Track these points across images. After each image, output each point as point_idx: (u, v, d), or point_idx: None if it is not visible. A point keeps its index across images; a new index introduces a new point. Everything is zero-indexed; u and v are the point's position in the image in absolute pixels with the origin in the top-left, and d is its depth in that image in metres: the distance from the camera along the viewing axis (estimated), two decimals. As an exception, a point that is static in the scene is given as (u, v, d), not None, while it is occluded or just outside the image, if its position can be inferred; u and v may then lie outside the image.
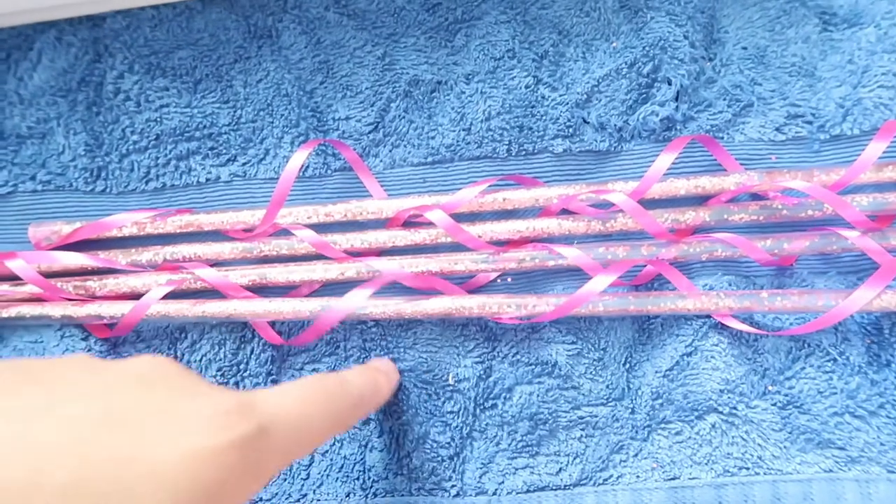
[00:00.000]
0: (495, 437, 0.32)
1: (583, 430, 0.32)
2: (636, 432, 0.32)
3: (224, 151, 0.35)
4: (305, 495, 0.32)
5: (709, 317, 0.31)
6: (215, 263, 0.34)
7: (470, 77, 0.34)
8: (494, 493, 0.31)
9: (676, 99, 0.33)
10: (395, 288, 0.33)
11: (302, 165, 0.33)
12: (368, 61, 0.35)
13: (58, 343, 0.33)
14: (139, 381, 0.19)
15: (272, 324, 0.33)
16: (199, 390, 0.19)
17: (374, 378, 0.27)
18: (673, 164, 0.32)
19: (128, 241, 0.35)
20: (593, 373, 0.32)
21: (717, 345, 0.31)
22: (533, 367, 0.32)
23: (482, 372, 0.32)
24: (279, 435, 0.20)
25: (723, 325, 0.31)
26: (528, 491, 0.31)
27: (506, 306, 0.31)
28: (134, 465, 0.17)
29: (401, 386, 0.32)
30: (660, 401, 0.31)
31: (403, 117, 0.34)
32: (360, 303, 0.31)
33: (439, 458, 0.32)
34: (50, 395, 0.18)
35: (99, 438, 0.17)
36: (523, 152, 0.34)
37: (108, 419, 0.17)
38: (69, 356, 0.21)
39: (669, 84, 0.33)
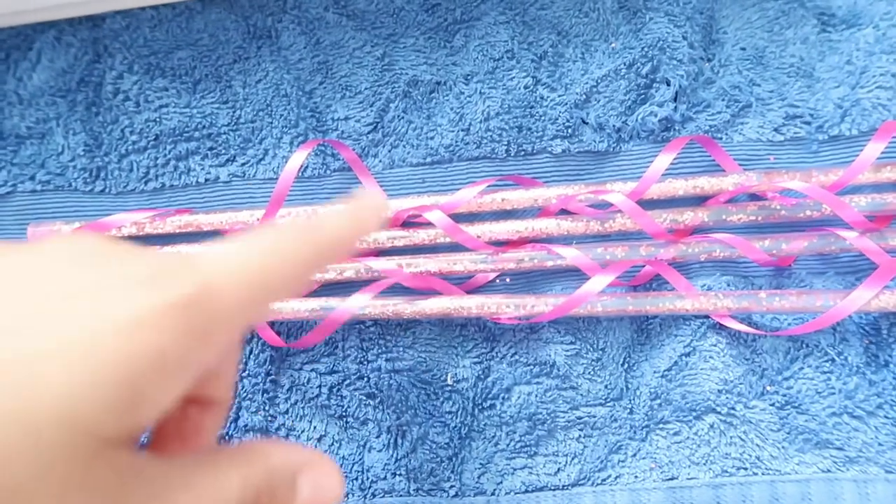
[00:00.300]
0: (494, 437, 0.32)
1: (581, 430, 0.32)
2: (634, 432, 0.32)
3: (223, 152, 0.35)
4: (304, 495, 0.32)
5: (707, 317, 0.32)
6: (214, 263, 0.34)
7: (469, 77, 0.34)
8: (493, 494, 0.31)
9: (675, 99, 0.33)
10: (393, 288, 0.33)
11: (301, 165, 0.33)
12: (367, 62, 0.35)
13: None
14: (62, 257, 0.17)
15: (270, 324, 0.33)
16: (132, 254, 0.17)
17: (353, 211, 0.22)
18: (671, 164, 0.32)
19: (127, 242, 0.35)
20: (592, 373, 0.32)
21: (715, 345, 0.31)
22: (531, 367, 0.32)
23: (481, 372, 0.32)
24: (231, 291, 0.17)
25: (721, 325, 0.31)
26: (526, 491, 0.31)
27: (504, 306, 0.31)
28: (47, 350, 0.15)
29: (400, 386, 0.32)
30: (658, 401, 0.31)
31: (402, 118, 0.34)
32: (363, 303, 0.31)
33: (438, 459, 0.32)
34: None
35: (22, 324, 0.15)
36: (522, 153, 0.34)
37: (30, 302, 0.15)
38: None
39: (668, 85, 0.33)
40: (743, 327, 0.31)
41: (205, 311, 0.16)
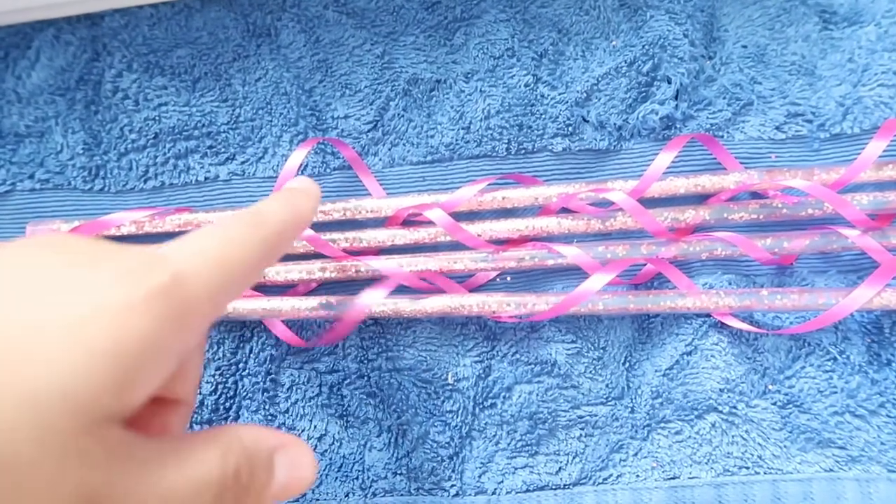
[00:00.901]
0: (495, 436, 0.32)
1: (582, 429, 0.32)
2: (636, 431, 0.31)
3: (223, 150, 0.35)
4: (304, 495, 0.32)
5: (709, 316, 0.31)
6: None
7: (469, 76, 0.34)
8: (494, 493, 0.31)
9: (676, 97, 0.33)
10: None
11: (301, 164, 0.33)
12: (367, 60, 0.35)
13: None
14: (51, 251, 0.17)
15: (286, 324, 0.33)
16: (103, 251, 0.18)
17: (290, 201, 0.24)
18: (673, 162, 0.32)
19: (126, 240, 0.35)
20: (593, 372, 0.32)
21: (716, 344, 0.31)
22: (532, 366, 0.32)
23: (481, 371, 0.32)
24: (199, 280, 0.18)
25: (723, 324, 0.31)
26: (527, 490, 0.31)
27: (505, 304, 0.31)
28: (45, 332, 0.15)
29: (400, 385, 0.32)
30: (659, 400, 0.31)
31: (402, 116, 0.34)
32: (379, 298, 0.31)
33: (439, 458, 0.32)
34: None
35: (22, 305, 0.16)
36: (523, 151, 0.34)
37: (28, 287, 0.16)
38: None
39: (669, 82, 0.33)
40: (745, 326, 0.30)
41: (180, 298, 0.18)
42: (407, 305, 0.31)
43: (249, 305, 0.32)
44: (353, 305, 0.30)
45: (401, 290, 0.33)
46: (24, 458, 0.15)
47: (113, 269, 0.17)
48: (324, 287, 0.34)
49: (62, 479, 0.15)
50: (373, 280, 0.33)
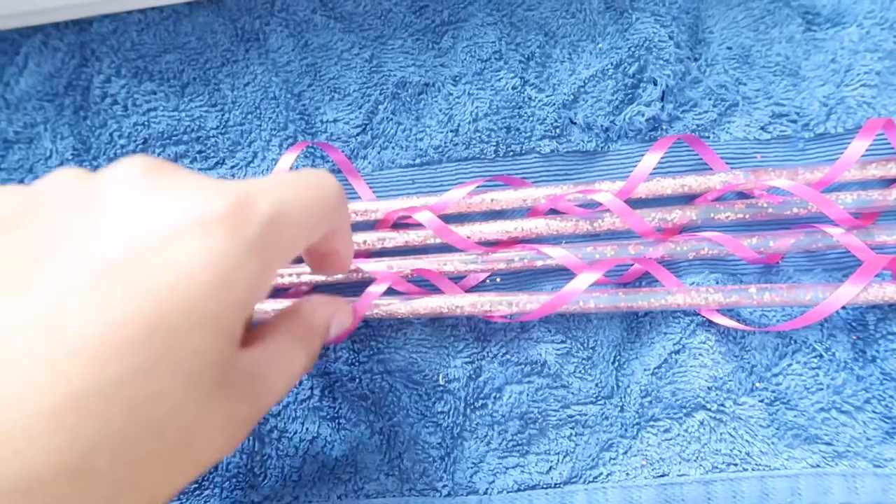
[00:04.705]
0: (486, 436, 0.32)
1: (572, 428, 0.32)
2: (625, 430, 0.32)
3: (212, 154, 0.35)
4: (297, 497, 0.32)
5: (696, 314, 0.32)
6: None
7: (457, 79, 0.34)
8: (485, 493, 0.32)
9: (662, 99, 0.33)
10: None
11: (290, 168, 0.33)
12: (356, 64, 0.35)
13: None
14: (138, 187, 0.19)
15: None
16: (196, 187, 0.19)
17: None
18: (659, 163, 0.32)
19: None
20: (582, 371, 0.32)
21: (704, 342, 0.32)
22: (522, 366, 0.32)
23: (472, 372, 0.32)
24: (283, 223, 0.20)
25: (710, 322, 0.31)
26: (518, 490, 0.31)
27: (497, 304, 0.31)
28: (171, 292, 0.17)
29: (392, 387, 0.32)
30: (648, 398, 0.32)
31: (391, 119, 0.34)
32: (380, 290, 0.31)
33: (430, 459, 0.32)
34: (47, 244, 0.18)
35: (162, 238, 0.17)
36: (511, 153, 0.34)
37: (164, 217, 0.18)
38: (52, 180, 0.20)
39: (655, 84, 0.33)
40: (732, 323, 0.31)
41: (270, 246, 0.20)
42: (401, 306, 0.31)
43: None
44: (359, 300, 0.30)
45: (391, 292, 0.33)
46: (173, 393, 0.17)
47: (218, 210, 0.18)
48: (315, 290, 0.34)
49: (221, 357, 0.18)
50: (363, 283, 0.33)
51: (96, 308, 0.16)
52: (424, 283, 0.33)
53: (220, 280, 0.17)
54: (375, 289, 0.31)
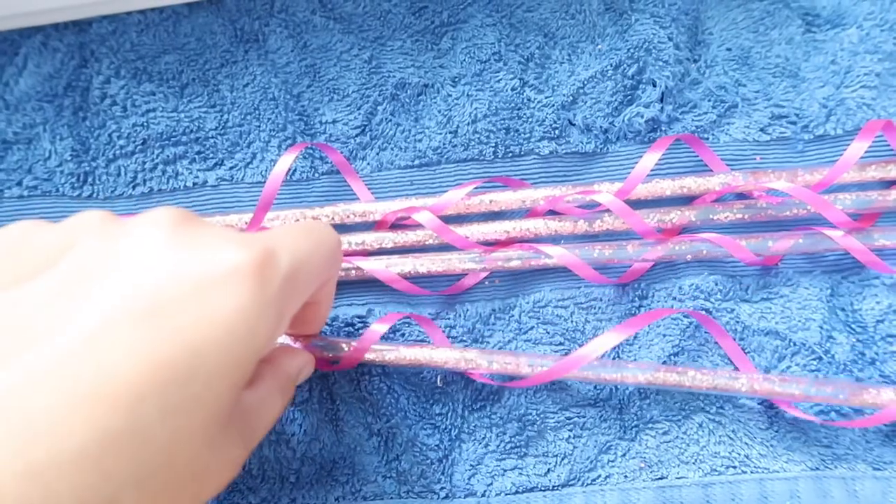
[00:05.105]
0: (484, 438, 0.32)
1: (571, 430, 0.32)
2: (624, 432, 0.32)
3: (211, 155, 0.35)
4: (294, 499, 0.32)
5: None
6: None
7: (456, 80, 0.34)
8: (483, 495, 0.31)
9: (661, 100, 0.33)
10: (389, 288, 0.33)
11: (289, 169, 0.33)
12: (355, 65, 0.35)
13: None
14: (167, 243, 0.20)
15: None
16: (224, 240, 0.20)
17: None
18: (659, 164, 0.32)
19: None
20: (581, 373, 0.32)
21: (703, 345, 0.31)
22: (521, 368, 0.32)
23: (470, 374, 0.32)
24: (298, 277, 0.22)
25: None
26: (516, 492, 0.31)
27: (479, 362, 0.30)
28: (199, 336, 0.18)
29: (390, 389, 0.32)
30: (647, 401, 0.32)
31: (390, 120, 0.34)
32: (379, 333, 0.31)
33: (428, 461, 0.32)
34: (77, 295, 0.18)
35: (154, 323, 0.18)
36: (510, 154, 0.34)
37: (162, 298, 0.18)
38: (75, 225, 0.21)
39: (654, 86, 0.33)
40: (810, 417, 0.30)
41: (286, 297, 0.21)
42: (389, 353, 0.31)
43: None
44: (360, 339, 0.30)
45: (392, 293, 0.33)
46: (198, 412, 0.18)
47: (243, 267, 0.20)
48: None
49: (229, 397, 0.20)
50: (363, 282, 0.33)
51: (133, 351, 0.17)
52: (424, 283, 0.33)
53: (246, 330, 0.19)
54: (378, 327, 0.30)
